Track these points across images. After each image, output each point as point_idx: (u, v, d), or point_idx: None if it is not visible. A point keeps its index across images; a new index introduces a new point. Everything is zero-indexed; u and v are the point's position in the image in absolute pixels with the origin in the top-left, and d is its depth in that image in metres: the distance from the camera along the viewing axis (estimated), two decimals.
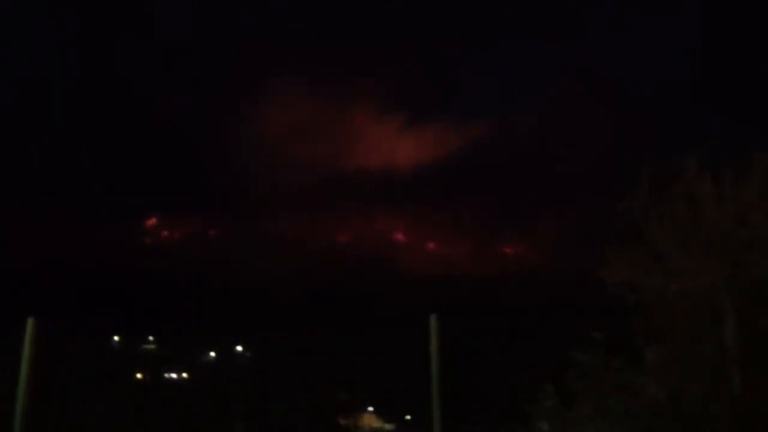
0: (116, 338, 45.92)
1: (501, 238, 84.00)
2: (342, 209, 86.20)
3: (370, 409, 40.50)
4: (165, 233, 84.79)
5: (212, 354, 46.23)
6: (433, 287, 60.18)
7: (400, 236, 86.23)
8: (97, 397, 32.81)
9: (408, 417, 37.01)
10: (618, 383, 7.95)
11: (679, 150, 8.41)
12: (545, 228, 78.90)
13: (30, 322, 7.03)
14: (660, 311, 7.98)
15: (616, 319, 8.36)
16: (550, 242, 76.83)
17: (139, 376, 42.47)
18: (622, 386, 7.93)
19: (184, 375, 43.00)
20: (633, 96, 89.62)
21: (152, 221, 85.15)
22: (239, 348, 46.65)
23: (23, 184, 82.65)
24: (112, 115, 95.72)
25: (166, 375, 43.18)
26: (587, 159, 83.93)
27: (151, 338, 46.55)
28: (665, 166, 8.53)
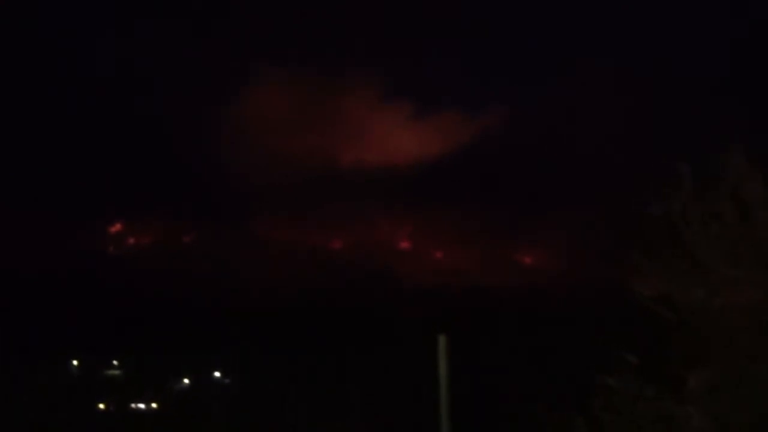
0: (75, 362, 45.88)
1: (518, 245, 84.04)
2: (337, 212, 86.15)
3: None
4: (131, 240, 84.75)
5: (186, 381, 46.13)
6: (441, 301, 60.18)
7: (404, 243, 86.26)
8: (52, 429, 32.79)
9: None
10: (655, 414, 7.92)
11: (723, 145, 8.40)
12: (569, 234, 78.91)
13: None
14: (702, 330, 7.97)
15: (651, 339, 8.34)
16: (574, 250, 76.88)
17: (101, 406, 42.42)
18: (660, 417, 7.90)
19: (153, 405, 42.93)
20: (669, 85, 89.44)
21: (117, 226, 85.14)
22: (217, 374, 46.62)
23: None
24: (69, 103, 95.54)
25: (133, 405, 43.13)
26: (616, 156, 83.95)
27: (115, 362, 46.53)
28: (707, 163, 8.52)
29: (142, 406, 43.59)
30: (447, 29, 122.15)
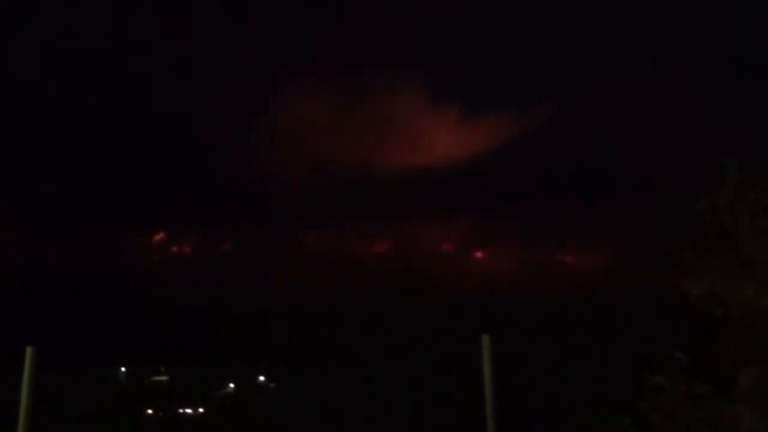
0: (123, 369, 46.65)
1: (561, 244, 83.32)
2: (376, 216, 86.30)
3: None
4: (175, 248, 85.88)
5: (231, 386, 46.60)
6: (483, 303, 59.91)
7: (445, 245, 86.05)
8: None
9: None
10: (705, 413, 7.80)
11: None
12: (614, 232, 78.02)
13: (29, 351, 7.06)
14: (753, 328, 7.83)
15: (700, 337, 8.21)
16: (619, 248, 75.95)
17: (149, 412, 43.09)
18: (709, 417, 7.78)
19: (200, 410, 43.48)
20: (714, 75, 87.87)
21: (160, 235, 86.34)
22: (262, 378, 46.98)
23: (14, 191, 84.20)
24: (106, 112, 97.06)
25: (180, 410, 43.72)
26: (661, 150, 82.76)
27: (162, 369, 47.17)
28: (757, 156, 8.38)
29: (189, 411, 44.15)
30: (489, 27, 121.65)
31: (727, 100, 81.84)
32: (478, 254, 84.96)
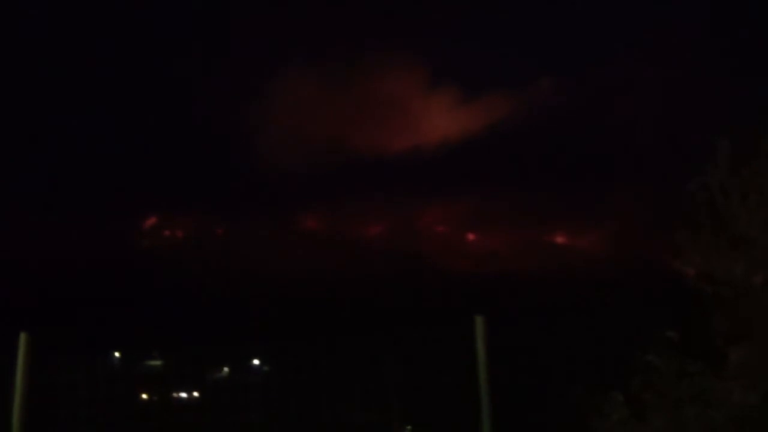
0: (117, 354, 46.65)
1: (554, 224, 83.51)
2: (370, 197, 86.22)
3: (409, 428, 40.56)
4: (167, 233, 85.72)
5: (225, 369, 46.68)
6: (476, 283, 60.13)
7: (438, 226, 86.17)
8: (98, 422, 33.41)
9: None
10: (697, 390, 7.89)
11: (761, 116, 8.29)
12: (605, 211, 78.23)
13: (23, 337, 7.11)
14: (744, 305, 7.90)
15: (691, 315, 8.29)
16: (612, 228, 76.23)
17: (144, 396, 43.15)
18: (701, 393, 7.87)
19: (195, 394, 43.54)
20: (706, 53, 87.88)
21: (152, 220, 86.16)
22: (256, 362, 47.07)
23: (7, 178, 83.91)
24: (102, 96, 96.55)
25: (175, 395, 43.76)
26: (652, 130, 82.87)
27: (155, 353, 47.21)
28: (747, 135, 8.41)
29: (183, 395, 44.22)
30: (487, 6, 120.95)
31: (719, 79, 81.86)
32: (471, 235, 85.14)
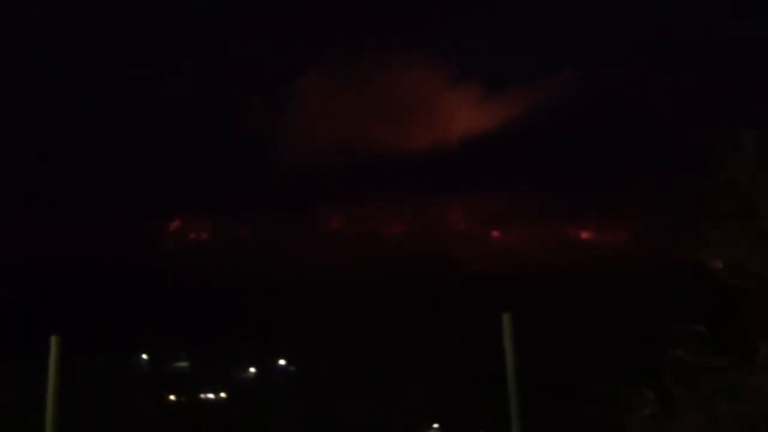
0: (144, 356, 47.09)
1: (580, 219, 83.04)
2: (394, 196, 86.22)
3: (435, 426, 40.55)
4: (192, 234, 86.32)
5: (252, 370, 46.95)
6: (503, 280, 59.90)
7: (463, 224, 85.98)
8: (128, 423, 33.76)
9: None
10: (728, 385, 7.84)
11: None
12: (632, 205, 77.64)
13: (54, 340, 7.20)
14: None
15: (720, 309, 8.24)
16: (639, 222, 75.62)
17: (172, 397, 43.55)
18: (732, 388, 7.81)
19: (222, 395, 43.84)
20: (733, 44, 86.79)
21: (177, 222, 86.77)
22: (282, 362, 47.31)
23: (29, 180, 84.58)
24: (122, 101, 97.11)
25: (203, 396, 44.15)
26: (678, 121, 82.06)
27: (183, 354, 47.57)
28: None
29: (211, 396, 44.58)
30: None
31: (747, 69, 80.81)
32: (496, 233, 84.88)
